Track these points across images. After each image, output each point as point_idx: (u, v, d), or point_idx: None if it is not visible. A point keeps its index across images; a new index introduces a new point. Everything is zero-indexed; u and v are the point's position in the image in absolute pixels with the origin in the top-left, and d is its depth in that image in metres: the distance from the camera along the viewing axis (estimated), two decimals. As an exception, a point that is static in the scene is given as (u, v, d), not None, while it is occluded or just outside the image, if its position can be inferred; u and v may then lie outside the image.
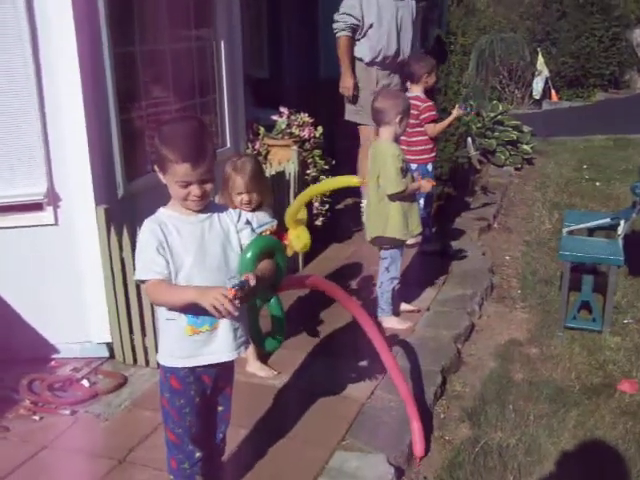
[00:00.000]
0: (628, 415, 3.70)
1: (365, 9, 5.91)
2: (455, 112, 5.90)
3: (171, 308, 2.44)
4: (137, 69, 4.27)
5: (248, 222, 2.59)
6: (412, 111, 5.30)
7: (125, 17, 4.08)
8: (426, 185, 4.46)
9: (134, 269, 2.46)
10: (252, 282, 2.30)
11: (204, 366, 2.54)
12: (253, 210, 3.54)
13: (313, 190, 4.50)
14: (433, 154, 5.81)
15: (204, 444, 2.68)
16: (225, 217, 2.54)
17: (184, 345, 2.48)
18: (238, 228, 2.54)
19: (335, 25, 5.95)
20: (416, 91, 5.73)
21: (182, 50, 4.68)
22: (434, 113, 5.72)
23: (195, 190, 2.38)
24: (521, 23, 17.12)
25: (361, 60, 6.06)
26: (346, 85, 6.05)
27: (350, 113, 6.22)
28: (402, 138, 5.08)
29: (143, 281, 2.43)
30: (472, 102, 8.84)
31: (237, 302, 2.25)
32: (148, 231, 2.41)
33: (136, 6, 4.15)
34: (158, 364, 2.61)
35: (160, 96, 4.53)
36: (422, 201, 5.44)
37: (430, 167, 5.76)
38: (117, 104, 3.97)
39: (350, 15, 5.89)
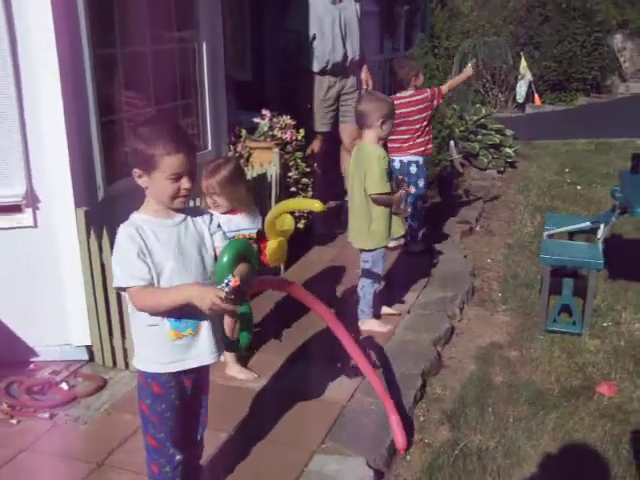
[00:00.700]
0: (607, 417, 3.73)
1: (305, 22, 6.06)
2: (468, 69, 6.20)
3: (154, 313, 2.41)
4: (118, 71, 4.24)
5: (219, 226, 2.59)
6: (421, 105, 5.72)
7: (106, 19, 4.05)
8: (397, 201, 4.38)
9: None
10: (237, 283, 2.30)
11: (186, 370, 2.52)
12: (225, 213, 3.58)
13: (279, 208, 4.18)
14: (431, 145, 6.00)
15: (184, 447, 2.67)
16: (199, 220, 2.53)
17: (167, 350, 2.46)
18: (211, 231, 2.54)
19: None
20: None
21: (164, 52, 4.66)
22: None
23: (186, 183, 2.37)
24: (504, 27, 17.25)
25: (311, 71, 6.14)
26: None
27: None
28: (408, 137, 5.54)
29: (124, 289, 2.38)
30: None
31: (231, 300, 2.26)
32: (126, 237, 2.36)
33: (117, 8, 4.13)
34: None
35: (141, 98, 4.51)
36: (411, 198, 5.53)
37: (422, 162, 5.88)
38: (97, 106, 3.93)
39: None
